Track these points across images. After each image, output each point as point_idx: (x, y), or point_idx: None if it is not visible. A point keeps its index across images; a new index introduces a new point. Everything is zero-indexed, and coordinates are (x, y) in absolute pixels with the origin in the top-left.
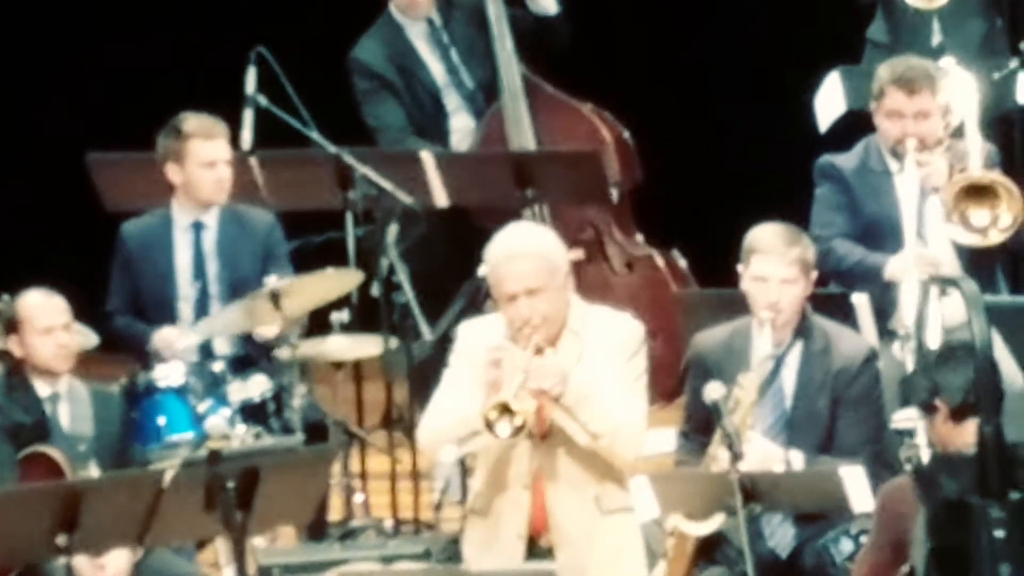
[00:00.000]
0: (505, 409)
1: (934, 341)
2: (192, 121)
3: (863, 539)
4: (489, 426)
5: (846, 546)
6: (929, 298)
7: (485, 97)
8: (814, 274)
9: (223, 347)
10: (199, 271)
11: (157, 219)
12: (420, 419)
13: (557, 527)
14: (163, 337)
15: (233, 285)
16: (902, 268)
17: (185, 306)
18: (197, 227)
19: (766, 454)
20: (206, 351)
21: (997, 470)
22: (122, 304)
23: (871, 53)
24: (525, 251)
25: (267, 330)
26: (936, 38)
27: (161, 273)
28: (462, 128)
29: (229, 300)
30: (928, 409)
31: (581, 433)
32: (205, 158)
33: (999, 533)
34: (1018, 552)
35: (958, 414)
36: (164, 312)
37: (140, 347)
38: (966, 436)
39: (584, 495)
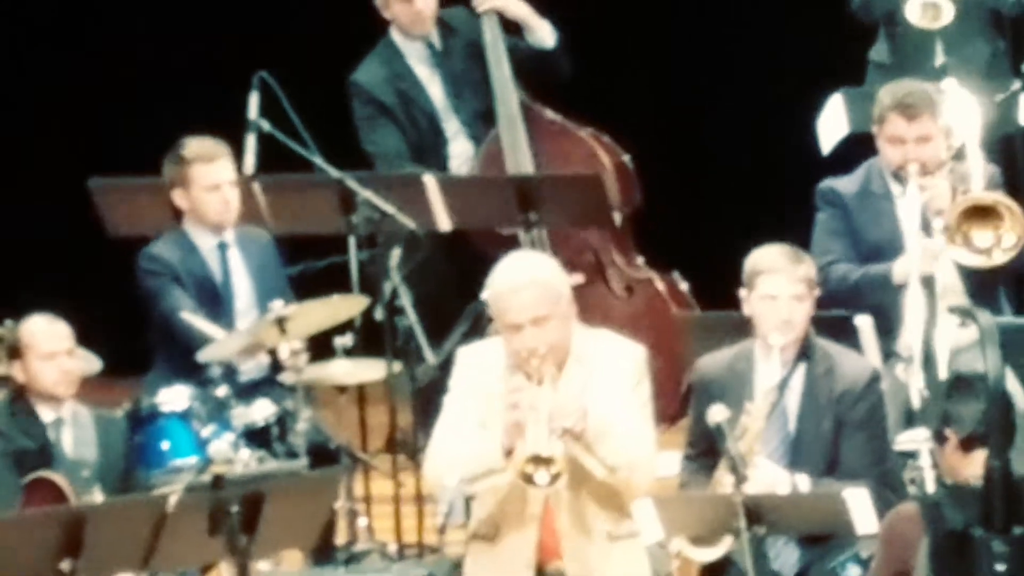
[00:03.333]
0: (539, 460)
1: (942, 367)
2: (193, 145)
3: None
4: (527, 479)
5: (854, 572)
6: (936, 324)
7: (485, 123)
8: (817, 292)
9: (255, 368)
10: (228, 289)
11: (175, 242)
12: (425, 445)
13: (568, 553)
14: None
15: (263, 302)
16: (909, 266)
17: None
18: (222, 247)
19: (773, 479)
20: (230, 372)
21: (1002, 504)
22: (183, 304)
23: (873, 74)
24: (528, 281)
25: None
26: (939, 59)
27: (207, 289)
28: (461, 153)
29: (261, 316)
30: (938, 438)
31: (599, 467)
32: (208, 182)
33: (1000, 567)
34: None
35: (967, 445)
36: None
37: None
38: (975, 467)
39: (595, 523)
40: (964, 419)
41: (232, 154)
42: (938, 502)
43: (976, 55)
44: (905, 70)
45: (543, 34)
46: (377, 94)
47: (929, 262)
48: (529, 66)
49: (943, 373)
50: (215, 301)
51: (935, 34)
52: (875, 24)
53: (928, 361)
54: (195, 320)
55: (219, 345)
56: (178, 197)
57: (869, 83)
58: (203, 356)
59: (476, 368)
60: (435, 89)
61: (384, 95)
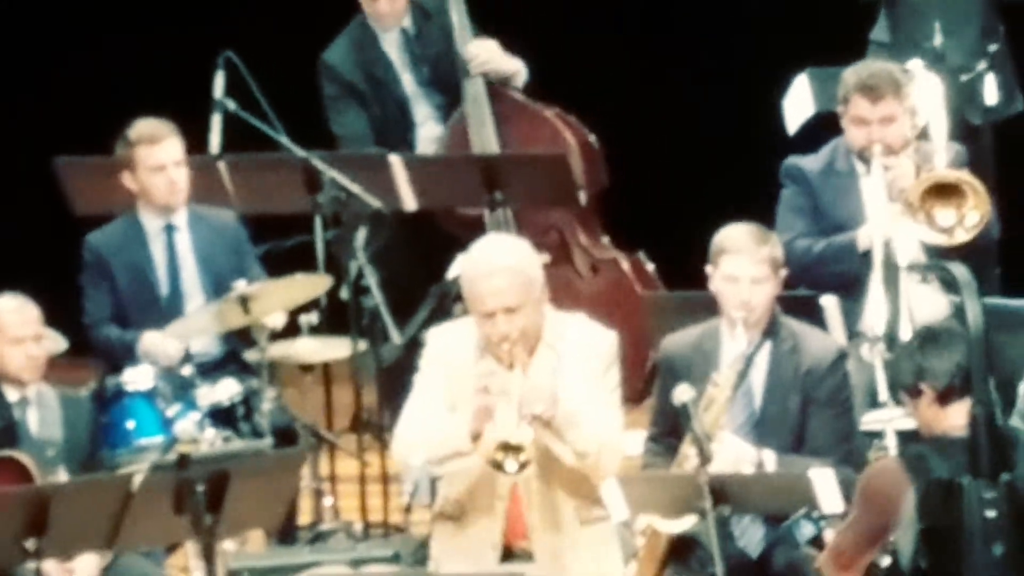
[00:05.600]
0: (508, 447)
1: (906, 332)
2: (137, 127)
3: (824, 523)
4: (497, 466)
5: (807, 529)
6: (899, 289)
7: (456, 108)
8: (783, 273)
9: (205, 347)
10: (174, 273)
11: (124, 225)
12: (392, 426)
13: (536, 537)
14: (153, 344)
15: (214, 285)
16: (874, 230)
17: (166, 308)
18: (169, 230)
19: (739, 453)
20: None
21: (989, 451)
22: (104, 314)
23: (874, 53)
24: (502, 267)
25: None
26: (937, 39)
27: (139, 277)
28: (430, 138)
29: (211, 299)
30: (913, 393)
31: (568, 453)
32: (152, 163)
33: (991, 514)
34: (1010, 533)
35: (944, 397)
36: (145, 316)
37: (127, 355)
38: (952, 419)
39: (563, 508)
40: (939, 372)
41: (192, 134)
42: (921, 453)
43: (974, 35)
44: (904, 50)
45: (518, 81)
46: (347, 76)
47: (892, 226)
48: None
49: (904, 336)
50: (148, 291)
51: (934, 15)
52: (875, 3)
53: (892, 339)
54: (112, 332)
55: (183, 323)
56: (127, 179)
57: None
58: (170, 333)
59: (446, 349)
60: (406, 75)
61: (354, 77)
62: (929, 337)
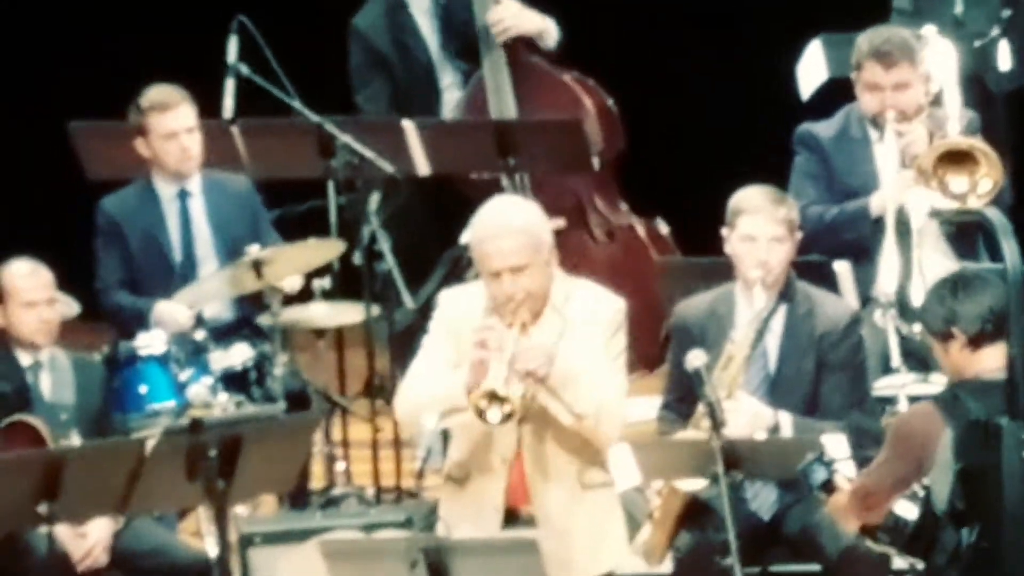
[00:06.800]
0: (494, 396)
1: (918, 298)
2: (150, 94)
3: (836, 466)
4: (480, 413)
5: (820, 474)
6: (911, 255)
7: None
8: (799, 235)
9: (217, 312)
10: (188, 239)
11: (138, 191)
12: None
13: (538, 500)
14: (165, 312)
15: (228, 250)
16: (886, 196)
17: (180, 274)
18: (183, 195)
19: (756, 414)
20: (197, 317)
21: None
22: (115, 278)
23: (895, 20)
24: (510, 228)
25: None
26: (959, 7)
27: (152, 243)
28: (453, 104)
29: (225, 264)
30: (943, 338)
31: (565, 414)
32: (164, 130)
33: None
34: None
35: (975, 341)
36: (158, 281)
37: (138, 322)
38: (984, 363)
39: (565, 471)
40: (971, 316)
41: (204, 99)
42: (956, 395)
43: (994, 4)
44: (926, 17)
45: (550, 41)
46: (376, 43)
47: (905, 192)
48: None
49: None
50: (162, 257)
51: None
52: None
53: (904, 305)
54: (123, 298)
55: (196, 288)
56: (140, 146)
57: None
58: (181, 299)
59: (456, 311)
60: (434, 42)
61: (382, 44)
62: (960, 282)
